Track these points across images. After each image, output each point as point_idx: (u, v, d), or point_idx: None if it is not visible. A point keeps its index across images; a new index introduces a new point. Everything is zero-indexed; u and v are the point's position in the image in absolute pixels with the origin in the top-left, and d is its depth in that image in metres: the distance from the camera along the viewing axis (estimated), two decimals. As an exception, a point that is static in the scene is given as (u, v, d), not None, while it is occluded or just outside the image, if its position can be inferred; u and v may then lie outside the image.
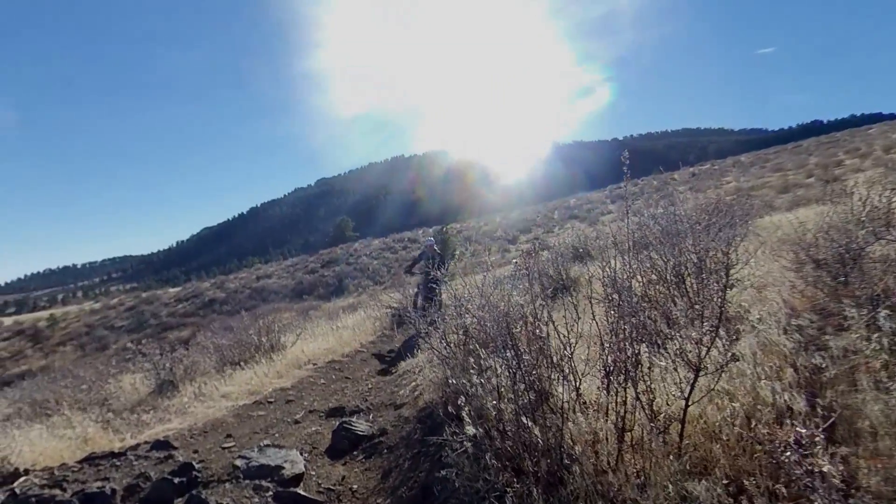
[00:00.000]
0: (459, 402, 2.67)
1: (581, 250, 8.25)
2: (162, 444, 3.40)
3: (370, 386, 4.96)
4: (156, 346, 6.84)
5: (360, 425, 3.58)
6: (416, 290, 8.62)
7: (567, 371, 1.97)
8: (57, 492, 2.67)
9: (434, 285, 7.50)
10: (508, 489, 1.84)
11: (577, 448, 1.80)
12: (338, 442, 3.43)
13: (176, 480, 2.83)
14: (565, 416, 1.86)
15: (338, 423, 3.77)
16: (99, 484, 2.77)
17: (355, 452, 3.32)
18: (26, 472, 2.95)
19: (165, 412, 4.74)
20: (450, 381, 2.96)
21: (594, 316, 2.14)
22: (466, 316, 3.45)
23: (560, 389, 2.00)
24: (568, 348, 2.02)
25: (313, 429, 3.85)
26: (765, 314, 2.42)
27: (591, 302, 2.21)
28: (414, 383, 4.10)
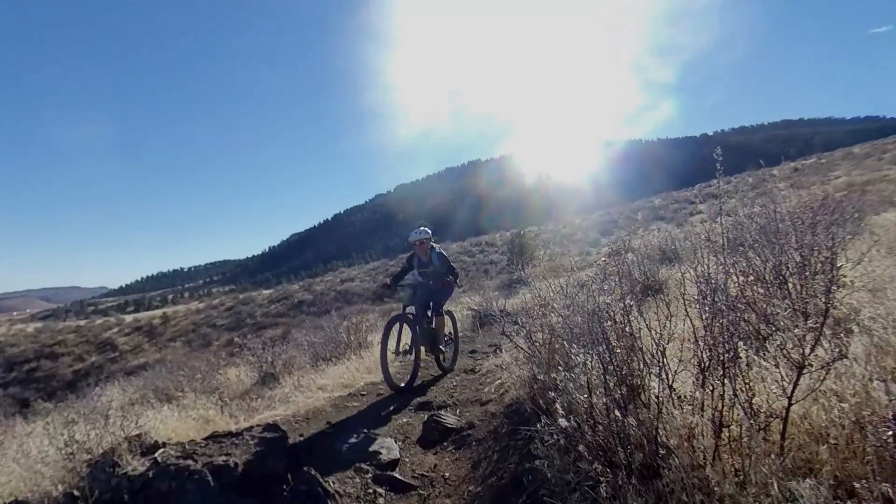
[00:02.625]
0: (548, 397, 2.75)
1: (669, 252, 7.94)
2: (272, 427, 3.75)
3: (455, 384, 5.12)
4: (258, 341, 7.48)
5: (449, 418, 3.75)
6: (394, 321, 5.10)
7: (660, 366, 1.99)
8: (190, 462, 3.06)
9: (430, 308, 5.47)
10: (602, 479, 1.89)
11: (672, 441, 1.82)
12: (428, 433, 3.62)
13: (286, 460, 3.14)
14: (660, 409, 1.89)
15: (427, 415, 3.97)
16: (223, 458, 3.13)
17: (445, 443, 3.48)
18: (163, 444, 3.40)
19: (270, 400, 5.20)
20: (537, 378, 3.04)
21: (687, 313, 2.14)
22: (551, 315, 3.51)
23: (653, 384, 2.02)
24: (661, 344, 2.04)
25: (404, 420, 4.07)
26: (879, 315, 2.27)
27: (683, 299, 2.21)
28: (499, 381, 4.20)
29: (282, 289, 51.74)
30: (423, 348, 5.27)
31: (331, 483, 2.79)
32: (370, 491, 2.85)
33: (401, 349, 5.15)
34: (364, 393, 5.00)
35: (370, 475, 2.99)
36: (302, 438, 3.59)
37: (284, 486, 2.91)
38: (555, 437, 2.38)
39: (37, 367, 35.74)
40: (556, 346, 3.25)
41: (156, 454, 3.19)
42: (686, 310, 2.18)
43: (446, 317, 5.78)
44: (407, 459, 3.30)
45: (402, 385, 5.00)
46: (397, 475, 3.01)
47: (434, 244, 5.68)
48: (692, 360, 2.04)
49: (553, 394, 2.59)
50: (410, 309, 5.31)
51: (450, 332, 6.02)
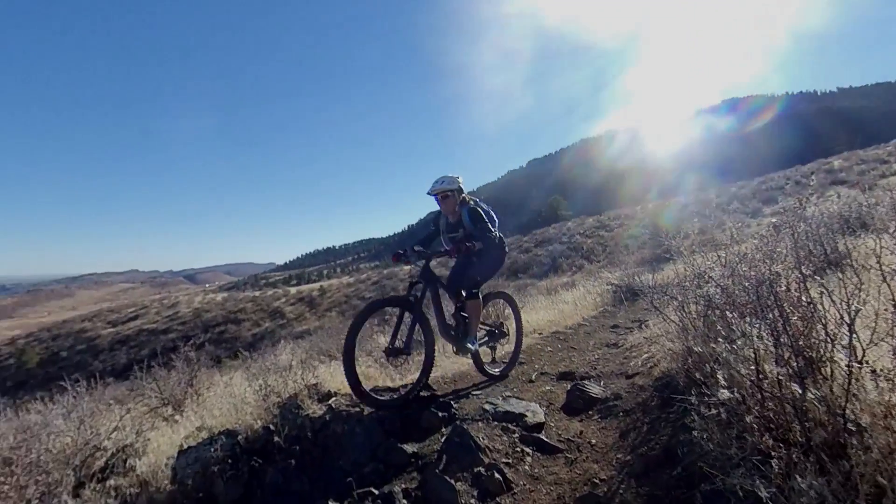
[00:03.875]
0: (706, 370, 2.61)
1: (853, 220, 6.81)
2: (425, 386, 4.07)
3: (597, 357, 5.04)
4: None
5: (594, 388, 3.72)
6: (377, 307, 3.79)
7: (850, 337, 1.77)
8: (358, 409, 3.47)
9: (461, 284, 4.21)
10: (774, 455, 1.76)
11: (863, 419, 1.63)
12: (572, 401, 3.64)
13: (440, 414, 3.40)
14: (849, 383, 1.69)
15: (569, 385, 3.98)
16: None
17: (590, 412, 3.48)
18: (335, 394, 3.90)
19: (419, 364, 5.60)
20: (693, 350, 2.89)
21: (886, 283, 1.86)
22: (708, 286, 3.29)
23: (839, 356, 1.81)
24: (850, 313, 1.81)
25: (547, 388, 4.14)
26: None
27: (880, 267, 1.92)
28: (646, 354, 4.05)
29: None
30: (440, 346, 4.02)
31: (480, 438, 2.97)
32: (518, 449, 2.98)
33: (397, 344, 3.78)
34: (505, 361, 5.15)
35: (517, 435, 3.12)
36: (451, 397, 3.84)
37: (438, 437, 3.17)
38: (714, 409, 2.26)
39: (225, 330, 42.51)
40: (714, 317, 3.04)
41: (330, 401, 3.67)
42: (886, 281, 1.90)
43: (493, 300, 4.70)
44: (552, 424, 3.36)
45: (387, 399, 3.65)
46: (543, 437, 3.09)
47: (468, 198, 4.33)
48: (891, 333, 1.78)
49: (712, 366, 2.46)
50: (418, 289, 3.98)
51: (496, 325, 4.88)
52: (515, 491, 2.60)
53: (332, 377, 4.60)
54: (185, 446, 3.38)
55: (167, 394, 5.38)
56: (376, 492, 2.60)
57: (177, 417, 4.61)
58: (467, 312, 4.17)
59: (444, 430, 3.24)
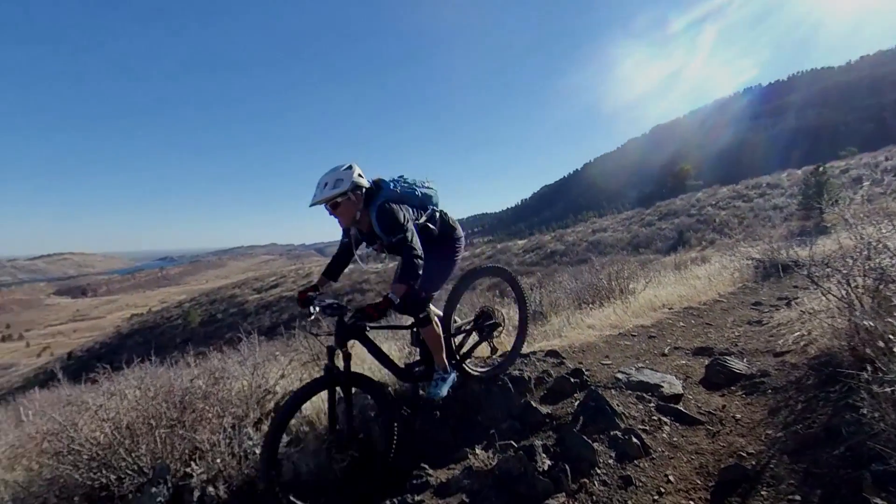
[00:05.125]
0: (878, 347, 2.41)
1: None
2: (553, 353, 4.18)
3: (737, 334, 4.75)
4: (531, 281, 8.18)
5: (736, 364, 3.55)
6: (312, 391, 2.85)
7: None
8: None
9: (404, 307, 2.97)
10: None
11: None
12: (712, 375, 3.51)
13: (572, 380, 3.49)
14: None
15: (707, 360, 3.83)
16: (517, 372, 3.68)
17: (732, 388, 3.33)
18: (470, 356, 4.17)
19: (544, 334, 5.71)
20: (861, 326, 2.65)
21: None
22: (880, 257, 2.98)
23: None
24: None
25: (682, 362, 4.02)
26: None
27: None
28: (798, 332, 3.74)
29: (535, 239, 54.00)
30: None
31: (615, 404, 3.01)
32: (654, 418, 2.98)
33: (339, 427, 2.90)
34: (634, 334, 5.06)
35: (653, 404, 3.11)
36: (581, 365, 3.90)
37: (571, 401, 3.28)
38: (888, 388, 2.10)
39: (352, 299, 45.94)
40: (889, 291, 2.75)
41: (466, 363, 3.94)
42: None
43: (479, 280, 3.68)
44: (690, 397, 3.29)
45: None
46: (681, 408, 3.05)
47: (373, 188, 3.01)
48: None
49: (888, 341, 2.27)
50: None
51: (482, 314, 3.88)
52: (654, 456, 2.63)
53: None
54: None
55: (316, 350, 6.08)
56: (516, 444, 2.78)
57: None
58: (426, 342, 3.20)
59: (576, 395, 3.34)
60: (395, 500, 2.58)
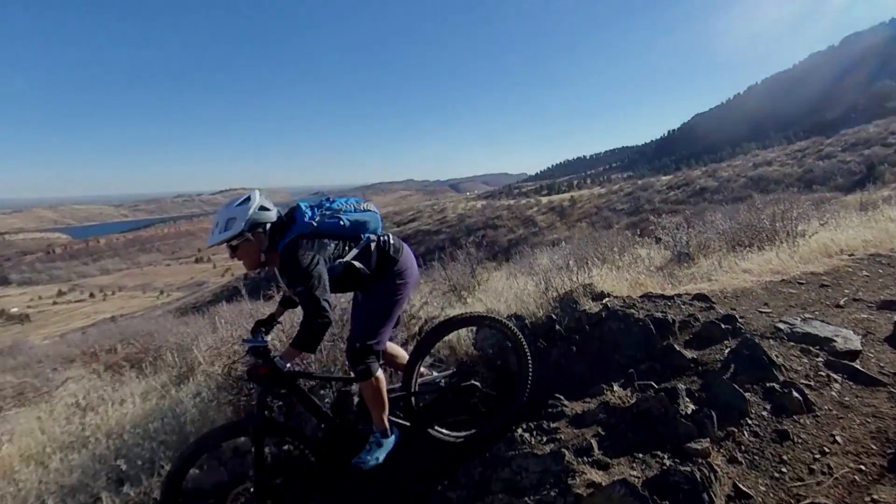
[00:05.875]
0: None
1: None
2: (701, 297, 3.92)
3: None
4: (676, 220, 7.62)
5: (938, 322, 3.01)
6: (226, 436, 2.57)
7: None
8: (632, 311, 3.59)
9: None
10: None
11: None
12: (903, 333, 3.03)
13: (722, 326, 3.27)
14: None
15: (897, 315, 3.30)
16: (660, 313, 3.53)
17: (932, 350, 2.86)
18: (607, 295, 4.09)
19: (691, 277, 5.34)
20: None
21: None
22: None
23: None
24: None
25: (862, 316, 3.52)
26: None
27: None
28: None
29: (681, 175, 49.40)
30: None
31: (773, 355, 2.77)
32: (821, 374, 2.69)
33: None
34: (802, 282, 4.50)
35: (821, 359, 2.81)
36: (734, 311, 3.62)
37: (720, 348, 3.08)
38: None
39: (484, 235, 46.91)
40: None
41: (604, 301, 3.88)
42: None
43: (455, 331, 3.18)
44: (871, 355, 2.90)
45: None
46: (858, 366, 2.71)
47: (283, 222, 2.48)
48: None
49: None
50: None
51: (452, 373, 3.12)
52: (818, 414, 2.40)
53: (603, 280, 4.79)
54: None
55: (454, 281, 6.41)
56: (657, 385, 2.73)
57: (466, 300, 5.53)
58: (365, 398, 2.63)
59: (727, 342, 3.12)
60: (531, 424, 2.72)
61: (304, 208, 2.46)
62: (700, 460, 2.08)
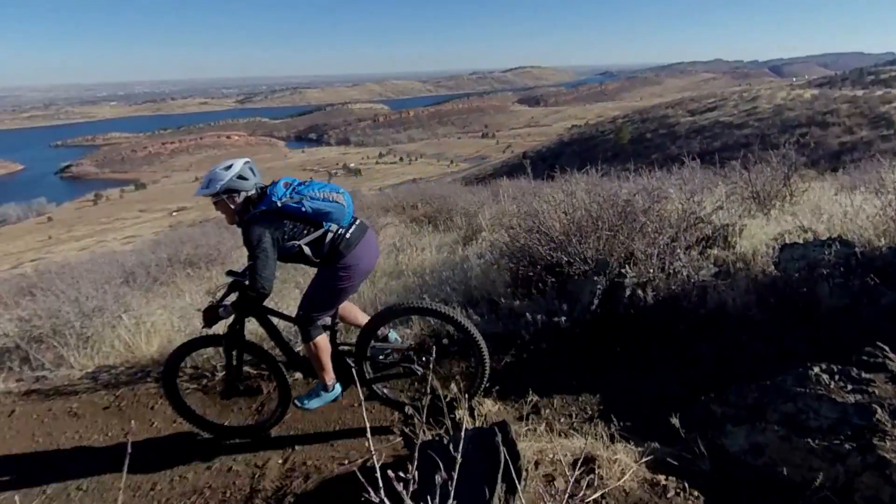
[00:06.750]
0: None
1: None
2: None
3: None
4: None
5: None
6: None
7: None
8: None
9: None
10: None
11: None
12: None
13: None
14: None
15: None
16: None
17: None
18: None
19: None
20: None
21: None
22: None
23: None
24: None
25: None
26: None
27: None
28: None
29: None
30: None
31: None
32: None
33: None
34: None
35: None
36: None
37: None
38: None
39: (807, 133, 37.60)
40: None
41: None
42: None
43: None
44: None
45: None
46: None
47: (253, 196, 2.69)
48: None
49: None
50: None
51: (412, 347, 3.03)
52: None
53: None
54: (787, 241, 3.47)
55: (758, 188, 5.49)
56: None
57: (771, 213, 4.73)
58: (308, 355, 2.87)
59: None
60: (833, 366, 2.34)
61: (279, 186, 2.67)
62: None
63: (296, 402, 2.88)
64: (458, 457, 1.26)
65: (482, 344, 2.71)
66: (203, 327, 2.79)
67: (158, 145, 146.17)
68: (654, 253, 3.42)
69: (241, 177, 2.63)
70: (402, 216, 11.51)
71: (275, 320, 2.91)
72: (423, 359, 2.88)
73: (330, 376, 2.83)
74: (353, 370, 2.76)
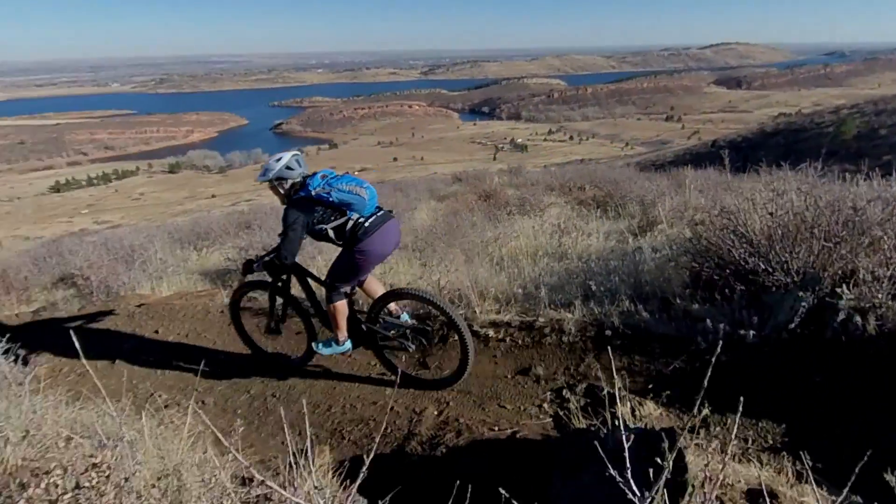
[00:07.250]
0: None
1: None
2: None
3: None
4: None
5: None
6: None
7: None
8: None
9: None
10: None
11: None
12: None
13: None
14: None
15: None
16: None
17: None
18: None
19: None
20: None
21: None
22: None
23: None
24: None
25: None
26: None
27: None
28: None
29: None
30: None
31: None
32: None
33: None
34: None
35: None
36: None
37: None
38: None
39: None
40: None
41: None
42: None
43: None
44: None
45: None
46: None
47: (297, 184, 3.25)
48: None
49: None
50: None
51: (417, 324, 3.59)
52: None
53: None
54: None
55: None
56: None
57: None
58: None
59: None
60: None
61: (317, 177, 3.13)
62: None
63: (313, 345, 3.46)
64: (626, 455, 1.21)
65: (468, 338, 3.11)
66: (241, 273, 3.46)
67: (351, 110, 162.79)
68: (886, 275, 2.82)
69: (288, 167, 3.15)
70: (567, 197, 11.16)
71: (310, 280, 3.49)
72: (418, 339, 3.40)
73: (343, 334, 3.36)
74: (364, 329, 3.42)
